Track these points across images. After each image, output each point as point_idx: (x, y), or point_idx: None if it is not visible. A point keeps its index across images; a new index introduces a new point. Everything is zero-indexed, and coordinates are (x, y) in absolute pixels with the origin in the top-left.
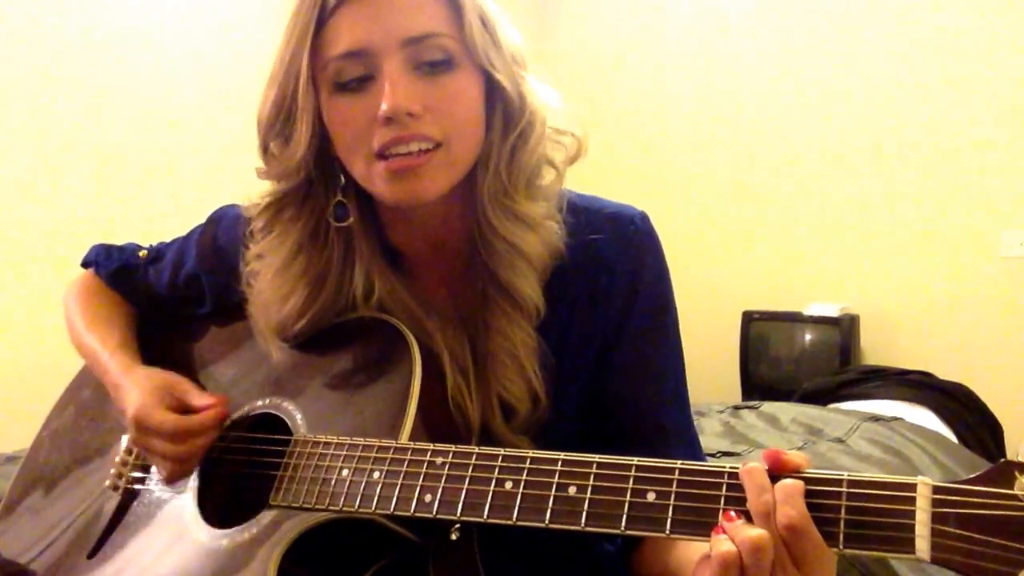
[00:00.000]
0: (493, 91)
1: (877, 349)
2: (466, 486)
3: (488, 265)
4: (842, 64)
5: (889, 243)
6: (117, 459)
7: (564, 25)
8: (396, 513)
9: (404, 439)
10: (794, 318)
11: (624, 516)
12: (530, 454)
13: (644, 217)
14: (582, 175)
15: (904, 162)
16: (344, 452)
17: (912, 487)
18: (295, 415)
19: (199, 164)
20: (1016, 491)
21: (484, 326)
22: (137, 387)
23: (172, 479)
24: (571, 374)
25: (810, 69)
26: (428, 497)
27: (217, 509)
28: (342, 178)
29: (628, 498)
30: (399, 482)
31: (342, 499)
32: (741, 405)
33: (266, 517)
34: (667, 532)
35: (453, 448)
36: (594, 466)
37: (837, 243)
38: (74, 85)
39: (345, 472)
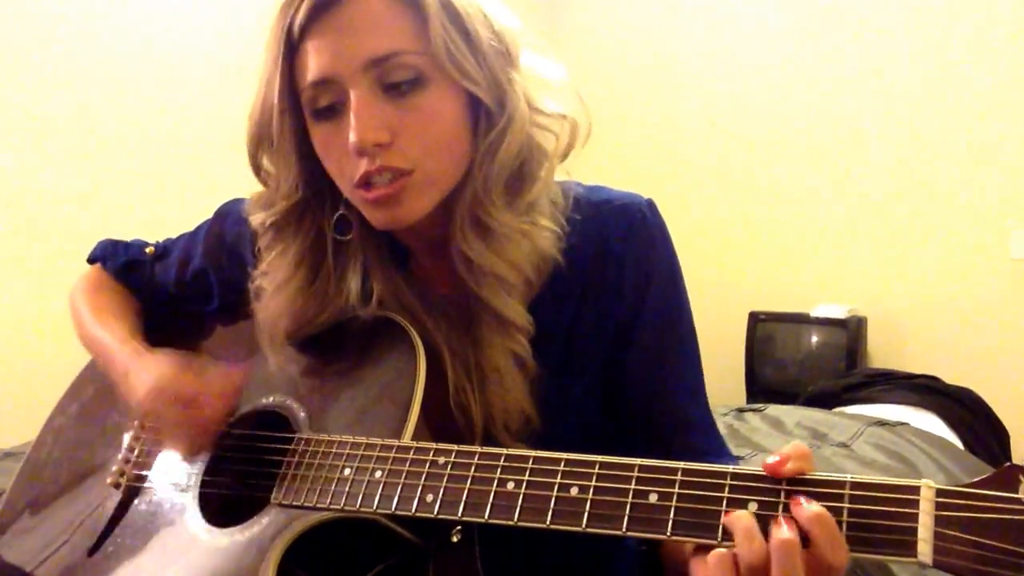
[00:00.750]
0: (474, 96)
1: (884, 352)
2: (468, 486)
3: (469, 285)
4: (852, 63)
5: (898, 244)
6: (120, 456)
7: (573, 22)
8: (397, 513)
9: (407, 438)
10: (801, 319)
11: (626, 517)
12: (533, 454)
13: (651, 205)
14: (588, 171)
15: (913, 162)
16: (346, 451)
17: (915, 490)
18: (299, 413)
19: (203, 161)
20: (1021, 495)
21: (474, 342)
22: (147, 370)
23: (193, 449)
24: (577, 374)
25: (820, 68)
26: (430, 497)
27: (218, 507)
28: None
29: (630, 499)
30: (401, 481)
31: (344, 498)
32: (745, 408)
33: (267, 516)
34: (668, 533)
35: (456, 448)
36: (597, 466)
37: (845, 244)
38: (75, 83)
39: (347, 471)
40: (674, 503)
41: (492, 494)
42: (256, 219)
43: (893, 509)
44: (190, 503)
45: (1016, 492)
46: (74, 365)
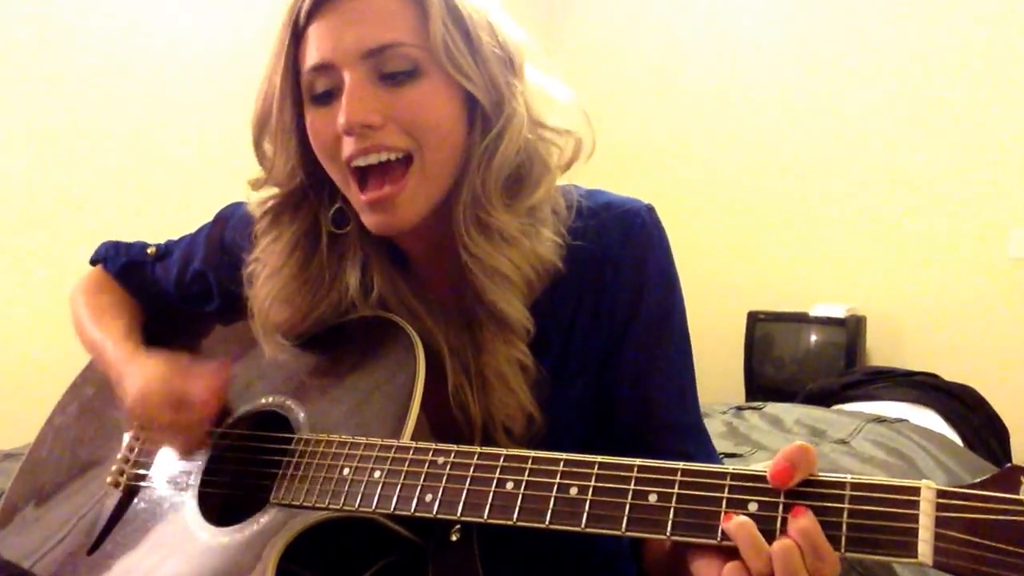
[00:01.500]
0: (471, 96)
1: (883, 350)
2: (467, 486)
3: (473, 285)
4: (851, 63)
5: (897, 243)
6: (119, 456)
7: (573, 25)
8: (396, 512)
9: (406, 438)
10: (800, 319)
11: (625, 518)
12: (532, 454)
13: (651, 210)
14: (590, 174)
15: (912, 162)
16: (346, 451)
17: (916, 491)
18: (298, 413)
19: (205, 162)
20: (1021, 496)
21: (474, 345)
22: (138, 372)
23: (188, 448)
24: (575, 375)
25: (819, 70)
26: (429, 497)
27: (218, 507)
28: None
29: (629, 499)
30: (400, 481)
31: (343, 498)
32: (744, 406)
33: (266, 515)
34: (667, 534)
35: (455, 448)
36: (596, 467)
37: (844, 243)
38: (76, 83)
39: (346, 471)
40: (673, 503)
41: (491, 494)
42: (254, 202)
43: (893, 510)
44: (189, 502)
45: (1017, 493)
46: (74, 365)
